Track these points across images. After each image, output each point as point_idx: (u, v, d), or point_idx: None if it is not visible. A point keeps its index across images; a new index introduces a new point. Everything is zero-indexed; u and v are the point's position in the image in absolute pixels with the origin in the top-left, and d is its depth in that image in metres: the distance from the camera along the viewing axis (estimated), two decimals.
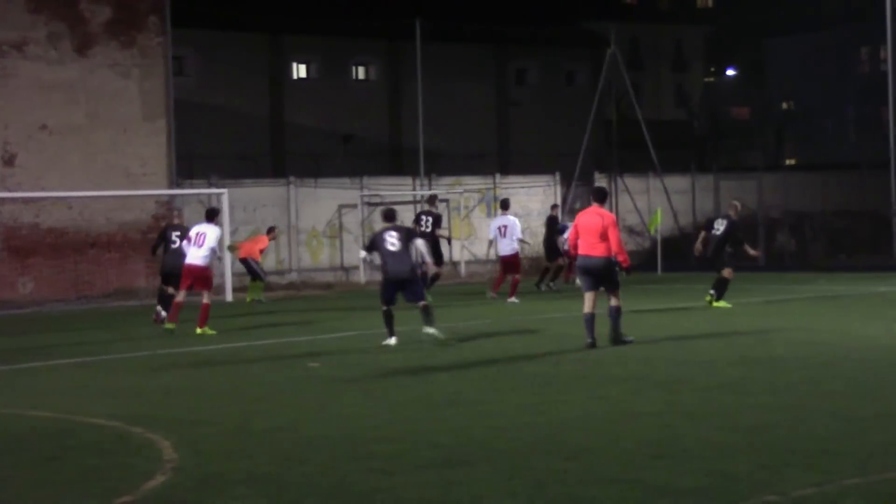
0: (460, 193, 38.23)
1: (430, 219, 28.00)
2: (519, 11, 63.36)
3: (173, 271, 22.51)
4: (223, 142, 48.97)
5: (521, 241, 27.98)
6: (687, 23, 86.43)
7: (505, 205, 28.58)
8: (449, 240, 32.77)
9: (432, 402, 13.32)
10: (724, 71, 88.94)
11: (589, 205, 18.35)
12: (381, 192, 36.81)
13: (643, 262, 36.35)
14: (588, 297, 17.78)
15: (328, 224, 35.88)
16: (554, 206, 33.31)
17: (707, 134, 77.27)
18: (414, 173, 39.15)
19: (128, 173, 32.14)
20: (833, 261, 36.64)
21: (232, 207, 31.33)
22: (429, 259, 20.70)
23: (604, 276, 17.77)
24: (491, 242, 27.97)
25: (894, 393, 13.08)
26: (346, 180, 36.87)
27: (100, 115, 32.05)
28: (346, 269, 35.92)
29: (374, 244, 19.16)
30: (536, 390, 13.95)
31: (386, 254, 18.85)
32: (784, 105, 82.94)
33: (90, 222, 31.40)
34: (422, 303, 19.01)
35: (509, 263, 27.50)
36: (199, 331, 21.41)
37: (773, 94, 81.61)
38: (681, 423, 11.62)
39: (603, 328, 17.96)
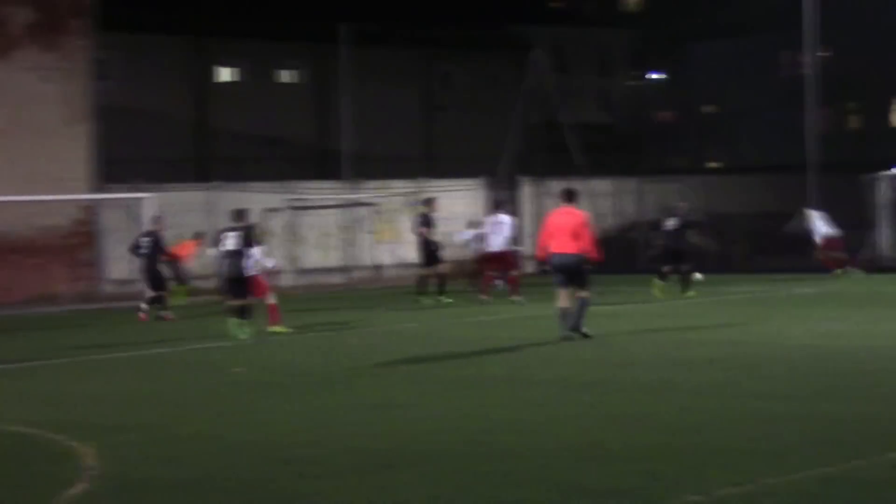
0: (386, 197, 38.21)
1: (421, 219, 28.36)
2: (445, 15, 63.43)
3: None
4: (147, 146, 48.59)
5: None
6: (612, 26, 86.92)
7: (498, 204, 29.28)
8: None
9: (358, 406, 13.30)
10: (649, 75, 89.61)
11: (558, 206, 19.35)
12: (308, 196, 36.70)
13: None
14: (562, 293, 18.71)
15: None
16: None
17: (631, 137, 77.80)
18: (340, 177, 39.06)
19: (50, 178, 31.79)
20: (754, 263, 37.02)
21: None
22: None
23: (576, 272, 18.59)
24: (469, 242, 28.44)
25: (814, 393, 13.25)
26: (272, 184, 36.71)
27: (21, 119, 31.69)
28: (270, 274, 35.72)
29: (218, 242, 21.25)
30: (462, 393, 13.98)
31: (223, 253, 20.94)
32: (707, 109, 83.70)
33: (11, 228, 31.03)
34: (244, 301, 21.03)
35: (501, 260, 27.57)
36: (272, 329, 21.79)
37: (696, 98, 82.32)
38: (605, 425, 11.70)
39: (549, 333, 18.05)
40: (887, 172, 37.66)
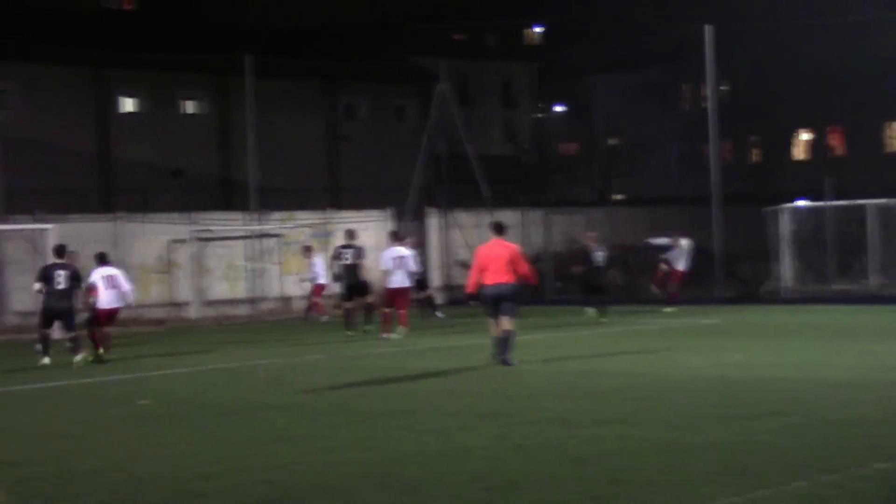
0: (292, 228, 38.06)
1: (351, 252, 27.94)
2: (348, 46, 63.46)
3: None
4: (48, 176, 47.99)
5: (413, 273, 27.97)
6: (515, 59, 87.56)
7: (398, 236, 28.54)
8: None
9: (263, 438, 13.20)
10: (553, 107, 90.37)
11: (488, 239, 20.04)
12: (212, 227, 36.45)
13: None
14: (494, 322, 19.54)
15: (158, 259, 35.39)
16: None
17: (536, 169, 78.36)
18: (245, 208, 38.85)
19: None
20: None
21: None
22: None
23: (510, 301, 19.37)
24: (386, 273, 27.37)
25: (717, 423, 13.37)
26: (176, 215, 36.42)
27: None
28: (177, 305, 35.44)
29: (44, 277, 22.63)
30: (368, 425, 13.93)
31: (52, 289, 22.38)
32: (610, 141, 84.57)
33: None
34: (72, 334, 22.55)
35: (401, 296, 27.09)
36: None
37: (599, 130, 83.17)
38: (510, 457, 11.70)
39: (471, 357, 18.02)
40: (789, 205, 38.26)
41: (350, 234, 29.20)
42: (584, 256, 30.64)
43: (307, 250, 35.14)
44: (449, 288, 40.22)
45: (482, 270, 19.49)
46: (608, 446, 12.05)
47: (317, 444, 12.70)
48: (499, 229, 20.03)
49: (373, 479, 10.80)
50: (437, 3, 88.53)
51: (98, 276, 23.34)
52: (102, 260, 23.86)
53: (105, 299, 23.18)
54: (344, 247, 28.57)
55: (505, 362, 19.37)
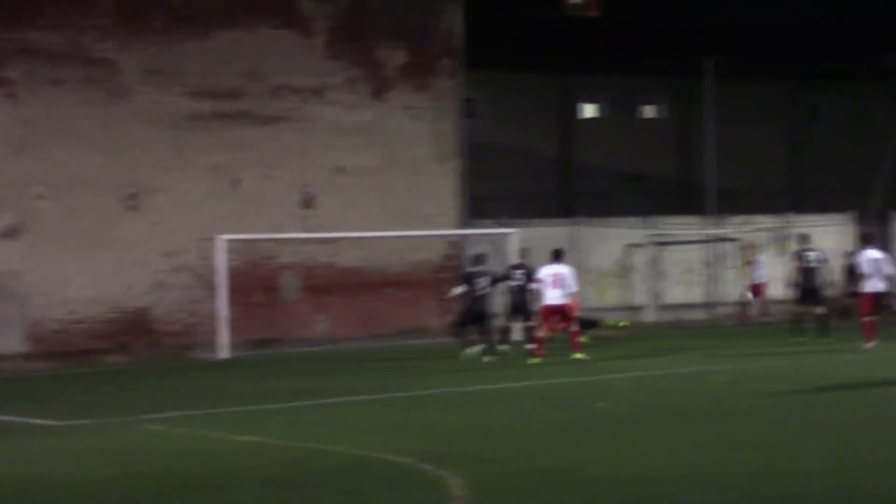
0: (750, 232, 37.56)
1: (523, 272, 25.82)
2: (812, 46, 61.86)
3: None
4: (512, 182, 49.50)
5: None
6: None
7: (558, 255, 25.42)
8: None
9: (723, 444, 13.11)
10: None
11: None
12: (670, 231, 36.54)
13: None
14: None
15: (615, 264, 35.81)
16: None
17: None
18: (701, 212, 38.66)
19: (420, 214, 32.84)
20: None
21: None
22: None
23: None
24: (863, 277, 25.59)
25: None
26: (634, 220, 36.74)
27: (394, 157, 32.86)
28: (634, 309, 35.72)
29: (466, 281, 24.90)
30: (834, 434, 13.53)
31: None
32: None
33: (384, 262, 32.19)
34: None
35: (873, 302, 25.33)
36: (575, 356, 23.27)
37: None
38: None
39: None
40: None
41: (804, 238, 28.41)
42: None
43: (749, 250, 34.98)
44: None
45: None
46: None
47: (773, 452, 12.51)
48: None
49: (842, 491, 10.51)
50: None
51: (545, 273, 23.94)
52: (557, 257, 24.49)
53: (550, 296, 23.70)
54: (805, 250, 27.66)
55: None
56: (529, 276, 25.06)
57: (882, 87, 58.24)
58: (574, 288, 24.20)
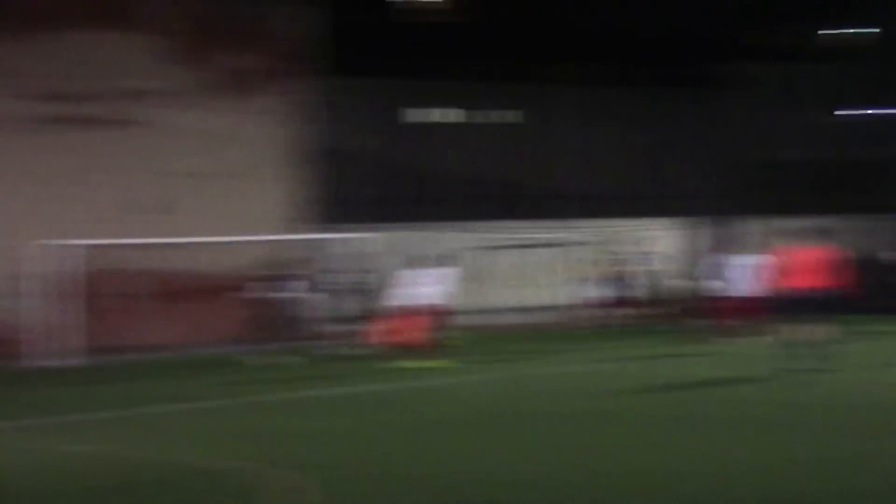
0: (604, 237, 38.00)
1: (362, 276, 27.30)
2: (637, 52, 62.63)
3: None
4: (368, 186, 49.28)
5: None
6: (824, 61, 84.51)
7: (432, 260, 25.66)
8: None
9: (565, 447, 13.21)
10: (858, 110, 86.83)
11: (804, 243, 19.68)
12: (520, 236, 36.87)
13: None
14: (798, 327, 19.28)
15: (470, 268, 36.01)
16: None
17: (834, 174, 75.35)
18: (559, 217, 38.93)
19: (275, 218, 32.64)
20: None
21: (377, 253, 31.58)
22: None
23: (822, 306, 19.06)
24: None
25: None
26: (484, 224, 37.05)
27: (248, 161, 32.65)
28: (496, 312, 35.83)
29: None
30: (695, 434, 13.81)
31: None
32: None
33: (236, 267, 31.85)
34: None
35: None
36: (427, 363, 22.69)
37: None
38: (791, 470, 11.35)
39: None
40: None
41: (638, 241, 28.40)
42: None
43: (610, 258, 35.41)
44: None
45: (794, 273, 19.23)
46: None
47: (620, 454, 12.72)
48: (817, 233, 19.94)
49: (685, 490, 10.76)
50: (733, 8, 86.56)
51: (413, 276, 23.71)
52: (431, 261, 23.97)
53: (413, 298, 23.50)
54: (631, 254, 27.82)
55: (818, 367, 19.03)
56: (370, 280, 25.09)
57: (734, 93, 59.45)
58: (442, 290, 23.58)
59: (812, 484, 10.90)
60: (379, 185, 50.24)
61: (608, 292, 35.01)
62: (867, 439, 13.13)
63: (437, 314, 23.75)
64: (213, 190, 31.74)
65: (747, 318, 25.19)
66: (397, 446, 13.86)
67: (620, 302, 28.70)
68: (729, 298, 25.90)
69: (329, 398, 19.08)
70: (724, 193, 39.16)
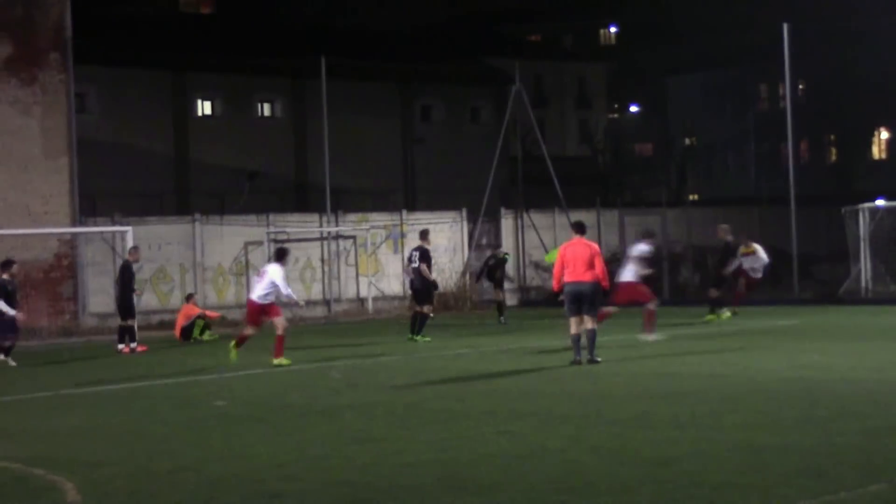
0: (367, 230, 38.19)
1: (417, 254, 26.77)
2: (424, 48, 63.61)
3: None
4: (127, 179, 48.49)
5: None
6: (590, 60, 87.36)
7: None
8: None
9: (340, 440, 13.27)
10: (628, 108, 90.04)
11: (571, 238, 20.36)
12: (288, 230, 36.68)
13: (548, 297, 36.46)
14: (574, 321, 19.73)
15: (234, 261, 35.67)
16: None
17: (611, 170, 78.07)
18: (320, 210, 39.02)
19: (29, 211, 31.75)
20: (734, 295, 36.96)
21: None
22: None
23: (590, 300, 19.61)
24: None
25: (795, 424, 13.28)
26: (252, 217, 36.69)
27: (2, 152, 31.67)
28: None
29: None
30: (444, 426, 13.96)
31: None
32: (686, 141, 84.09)
33: None
34: None
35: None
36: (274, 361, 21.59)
37: (675, 131, 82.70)
38: (586, 458, 11.69)
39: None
40: (869, 204, 37.70)
41: (422, 234, 28.19)
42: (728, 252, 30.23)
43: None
44: (525, 290, 40.19)
45: (564, 268, 19.76)
46: (684, 448, 12.00)
47: (392, 446, 12.73)
48: (580, 228, 20.46)
49: (447, 481, 10.83)
50: (511, 5, 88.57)
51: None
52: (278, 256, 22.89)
53: (253, 293, 22.32)
54: (414, 249, 27.69)
55: (592, 361, 19.57)
56: (127, 274, 25.64)
57: (488, 89, 60.50)
58: (276, 288, 21.87)
59: (604, 475, 11.04)
60: (137, 177, 49.39)
61: (383, 286, 35.03)
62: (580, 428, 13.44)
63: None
64: None
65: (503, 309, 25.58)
66: (178, 441, 13.57)
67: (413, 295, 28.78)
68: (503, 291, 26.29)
69: (106, 394, 18.60)
70: (492, 188, 39.75)
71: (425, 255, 26.80)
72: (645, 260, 24.58)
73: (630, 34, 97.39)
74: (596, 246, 20.27)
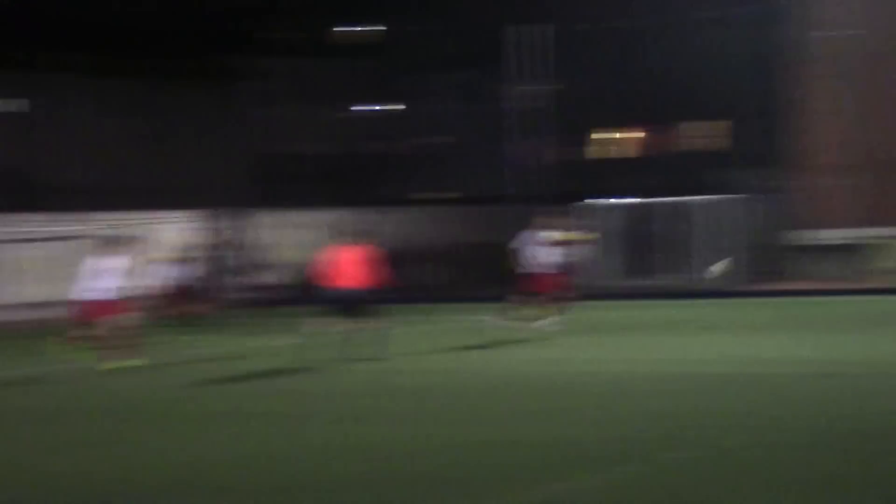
0: (95, 230, 37.38)
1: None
2: (151, 43, 62.61)
3: None
4: None
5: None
6: (330, 57, 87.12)
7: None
8: None
9: (72, 443, 13.10)
10: (369, 106, 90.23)
11: (342, 241, 20.13)
12: (13, 230, 35.67)
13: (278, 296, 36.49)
14: (341, 321, 19.60)
15: None
16: None
17: (346, 167, 78.20)
18: (49, 209, 37.95)
19: None
20: (462, 291, 37.77)
21: None
22: None
23: (366, 303, 19.60)
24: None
25: (517, 418, 13.57)
26: None
27: None
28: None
29: None
30: (182, 430, 13.94)
31: None
32: (420, 140, 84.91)
33: None
34: None
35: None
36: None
37: (409, 130, 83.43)
38: (312, 457, 11.80)
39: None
40: (599, 202, 38.86)
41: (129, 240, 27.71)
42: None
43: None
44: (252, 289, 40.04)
45: (335, 271, 19.63)
46: (398, 446, 12.16)
47: (116, 451, 12.66)
48: (353, 234, 20.48)
49: (177, 484, 10.83)
50: (246, 4, 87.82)
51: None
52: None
53: (91, 290, 22.10)
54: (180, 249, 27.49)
55: (379, 357, 19.48)
56: None
57: (217, 86, 60.06)
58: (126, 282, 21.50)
59: (322, 471, 11.21)
60: None
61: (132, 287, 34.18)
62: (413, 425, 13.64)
63: None
64: None
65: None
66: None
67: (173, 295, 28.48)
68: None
69: None
70: (237, 186, 39.48)
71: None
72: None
73: (376, 33, 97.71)
74: (370, 249, 19.91)
